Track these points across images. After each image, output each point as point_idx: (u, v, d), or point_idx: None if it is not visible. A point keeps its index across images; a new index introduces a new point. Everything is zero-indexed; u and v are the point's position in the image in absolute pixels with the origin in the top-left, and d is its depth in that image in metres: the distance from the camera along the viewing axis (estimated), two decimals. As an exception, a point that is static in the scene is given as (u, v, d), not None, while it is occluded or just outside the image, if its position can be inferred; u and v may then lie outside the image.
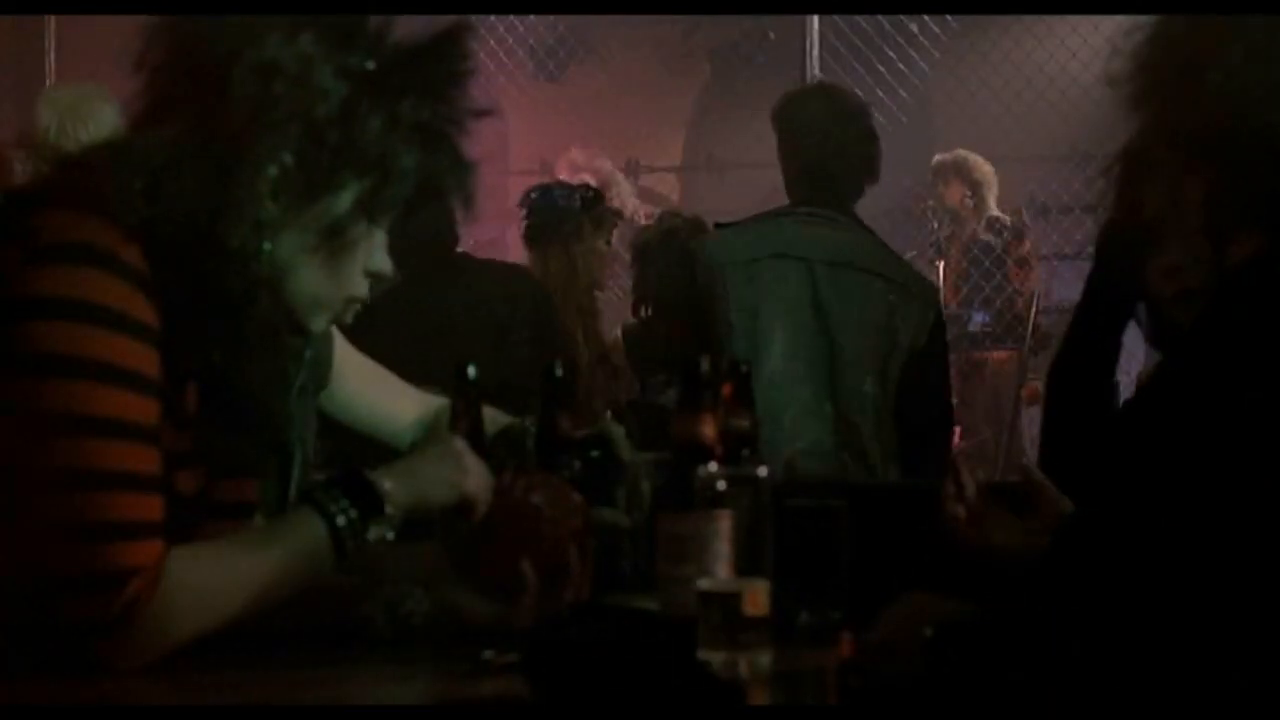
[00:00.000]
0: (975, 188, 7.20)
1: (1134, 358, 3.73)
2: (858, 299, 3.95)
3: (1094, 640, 1.43)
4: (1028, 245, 7.14)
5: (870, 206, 4.27)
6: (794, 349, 3.94)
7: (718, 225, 4.34)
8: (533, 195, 4.96)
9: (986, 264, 7.15)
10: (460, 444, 1.89)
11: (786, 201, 4.24)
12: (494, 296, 4.26)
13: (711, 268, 4.04)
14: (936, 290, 4.16)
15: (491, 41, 7.95)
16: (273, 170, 1.72)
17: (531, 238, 4.90)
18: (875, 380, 3.94)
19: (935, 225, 7.19)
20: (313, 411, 2.09)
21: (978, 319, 7.10)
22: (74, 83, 4.29)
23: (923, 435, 3.97)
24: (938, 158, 7.28)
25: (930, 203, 7.30)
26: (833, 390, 3.95)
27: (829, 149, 4.08)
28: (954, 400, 4.70)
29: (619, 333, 5.13)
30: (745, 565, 1.76)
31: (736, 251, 4.10)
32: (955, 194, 7.22)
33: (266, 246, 1.73)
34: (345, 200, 1.77)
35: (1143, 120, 1.68)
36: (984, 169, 7.20)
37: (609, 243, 5.01)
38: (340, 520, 1.75)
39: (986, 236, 7.15)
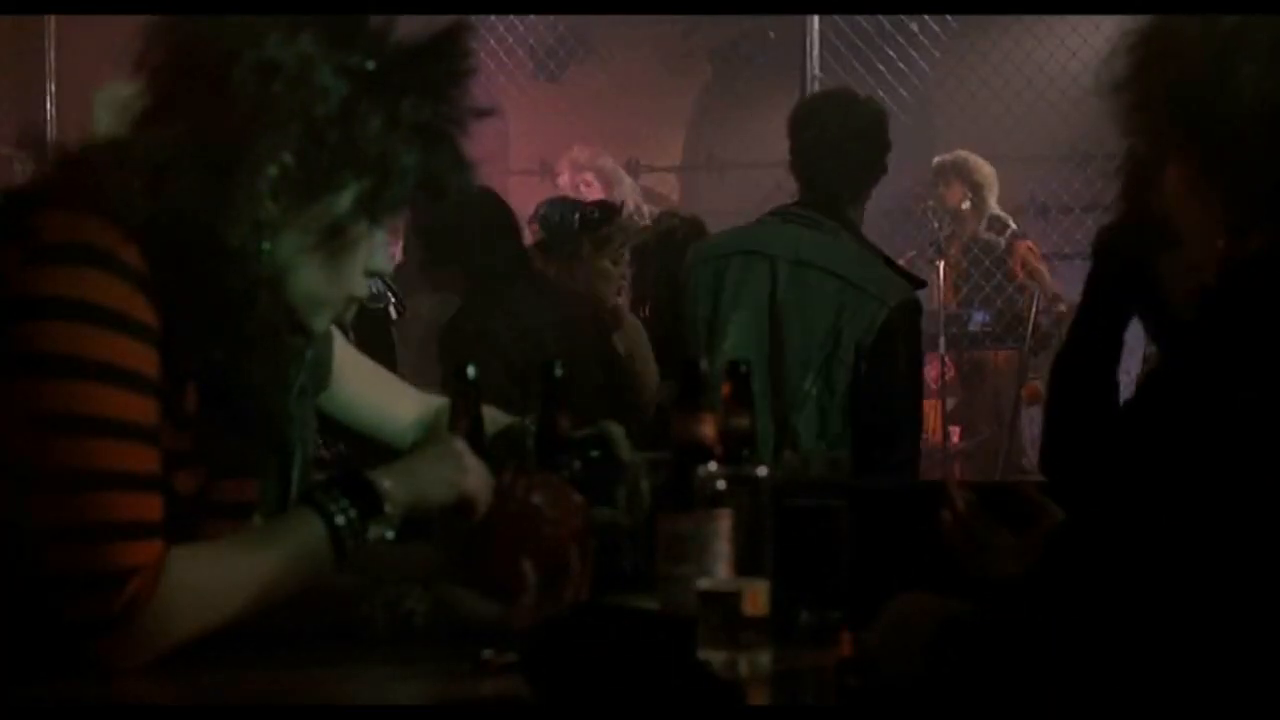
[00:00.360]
0: (976, 189, 7.21)
1: (1134, 357, 3.73)
2: (810, 298, 3.99)
3: (1094, 639, 1.42)
4: (1053, 285, 7.13)
5: (870, 207, 4.27)
6: (742, 344, 3.98)
7: None
8: (540, 210, 4.95)
9: (987, 263, 7.16)
10: (460, 444, 1.89)
11: (787, 201, 4.26)
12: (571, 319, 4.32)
13: (689, 265, 4.13)
14: (904, 292, 4.06)
15: (491, 41, 7.96)
16: (273, 170, 1.72)
17: (541, 251, 4.90)
18: (818, 380, 3.96)
19: (935, 225, 7.20)
20: (312, 412, 2.09)
21: (978, 319, 7.10)
22: (130, 82, 4.28)
23: (874, 436, 3.97)
24: (938, 159, 7.29)
25: (930, 203, 7.30)
26: (774, 387, 3.98)
27: (822, 150, 4.09)
28: (923, 404, 4.70)
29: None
30: (745, 565, 1.76)
31: (711, 249, 4.21)
32: (956, 195, 7.23)
33: (266, 246, 1.73)
34: (345, 200, 1.76)
35: (1153, 120, 1.67)
36: (985, 170, 7.21)
37: (617, 262, 4.87)
38: (339, 520, 1.75)
39: (987, 235, 7.16)
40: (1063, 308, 6.73)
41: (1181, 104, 1.62)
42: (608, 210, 4.97)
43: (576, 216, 4.80)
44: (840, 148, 4.08)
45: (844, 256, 4.04)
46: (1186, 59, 1.62)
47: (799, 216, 4.11)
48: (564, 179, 6.92)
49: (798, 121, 4.20)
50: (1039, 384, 6.52)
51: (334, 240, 1.77)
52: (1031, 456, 6.37)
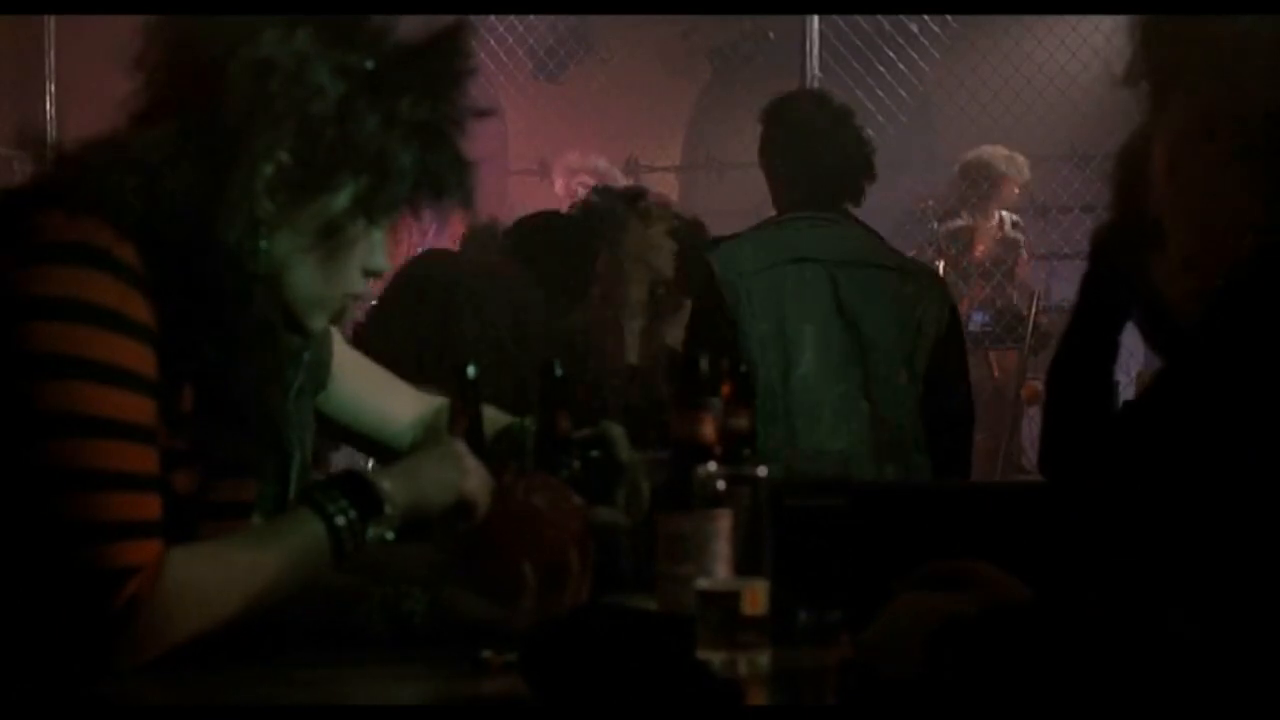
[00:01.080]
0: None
1: (1134, 357, 3.73)
2: (878, 294, 3.99)
3: (1095, 638, 1.42)
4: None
5: (870, 206, 4.27)
6: (824, 349, 3.97)
7: (717, 239, 4.35)
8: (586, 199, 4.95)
9: (986, 264, 7.15)
10: (460, 445, 1.89)
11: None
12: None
13: (727, 278, 4.03)
14: (945, 280, 4.25)
15: (491, 41, 7.95)
16: (269, 168, 1.72)
17: (591, 232, 4.83)
18: (907, 373, 3.99)
19: (935, 225, 7.20)
20: (311, 412, 2.09)
21: (978, 319, 7.10)
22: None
23: (948, 424, 4.02)
24: (1009, 153, 7.20)
25: (930, 202, 7.30)
26: (866, 387, 3.98)
27: (827, 151, 4.09)
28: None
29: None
30: (745, 565, 1.76)
31: (751, 260, 4.08)
32: (1017, 190, 7.24)
33: (263, 245, 1.73)
34: (343, 199, 1.77)
35: (1162, 112, 1.64)
36: None
37: (669, 234, 4.81)
38: (339, 520, 1.75)
39: (1014, 233, 7.19)
40: (1042, 321, 6.77)
41: (1219, 91, 1.58)
42: (642, 189, 5.02)
43: (620, 195, 4.81)
44: (842, 149, 4.09)
45: (889, 251, 4.13)
46: (1220, 44, 1.58)
47: (821, 218, 4.08)
48: (559, 185, 6.92)
49: (795, 125, 4.18)
50: (1038, 384, 6.52)
51: (331, 239, 1.78)
52: (1031, 456, 6.37)
